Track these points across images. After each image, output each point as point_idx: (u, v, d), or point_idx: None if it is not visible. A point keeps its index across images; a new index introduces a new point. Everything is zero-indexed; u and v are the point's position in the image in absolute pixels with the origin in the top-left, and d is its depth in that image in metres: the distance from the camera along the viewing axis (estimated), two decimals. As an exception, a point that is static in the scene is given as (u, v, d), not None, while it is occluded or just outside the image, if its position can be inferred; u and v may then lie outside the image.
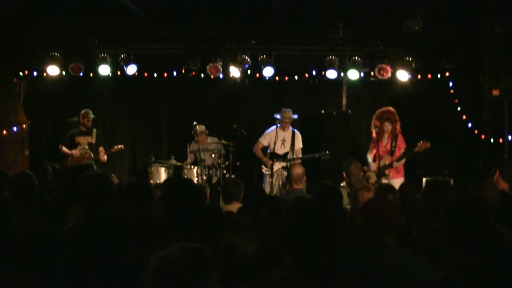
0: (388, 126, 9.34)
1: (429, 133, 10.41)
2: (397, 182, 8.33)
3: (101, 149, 10.28)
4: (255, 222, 4.02)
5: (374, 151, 9.22)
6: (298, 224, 2.36)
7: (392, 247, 3.40)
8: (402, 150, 9.25)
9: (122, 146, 10.54)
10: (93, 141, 10.27)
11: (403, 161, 9.26)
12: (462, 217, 2.85)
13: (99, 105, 11.43)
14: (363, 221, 3.57)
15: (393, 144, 9.29)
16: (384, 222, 3.45)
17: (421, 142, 8.99)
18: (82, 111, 10.26)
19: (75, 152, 10.09)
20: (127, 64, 10.56)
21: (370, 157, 9.33)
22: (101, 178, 4.25)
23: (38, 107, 11.55)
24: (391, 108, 9.52)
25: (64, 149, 10.10)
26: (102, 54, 10.56)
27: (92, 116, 10.25)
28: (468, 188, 4.71)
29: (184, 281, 2.14)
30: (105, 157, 10.26)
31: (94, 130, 10.33)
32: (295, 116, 10.16)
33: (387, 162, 9.09)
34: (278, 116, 9.95)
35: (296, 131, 10.18)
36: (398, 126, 9.40)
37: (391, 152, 9.24)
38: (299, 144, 10.15)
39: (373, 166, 9.13)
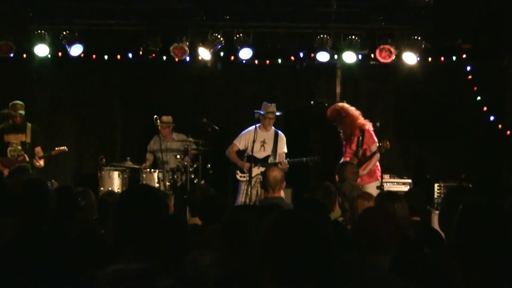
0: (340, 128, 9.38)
1: (442, 127, 10.47)
2: (371, 187, 8.53)
3: (38, 149, 9.99)
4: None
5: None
6: (282, 242, 2.45)
7: (384, 269, 3.41)
8: (372, 147, 9.19)
9: (65, 147, 10.21)
10: (28, 139, 9.96)
11: (370, 165, 9.15)
12: (484, 228, 2.78)
13: (35, 94, 11.25)
14: (357, 235, 3.69)
15: (359, 143, 9.16)
16: (379, 238, 3.53)
17: (381, 142, 9.11)
18: (10, 103, 9.94)
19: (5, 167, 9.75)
20: (70, 44, 10.39)
21: None
22: (34, 185, 4.17)
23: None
24: (331, 108, 9.55)
25: None
26: (39, 31, 10.39)
27: (19, 102, 9.86)
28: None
29: None
30: (42, 161, 9.92)
31: (29, 125, 9.96)
32: (278, 113, 10.05)
33: None
34: (260, 112, 9.84)
35: (280, 132, 10.10)
36: (352, 122, 9.24)
37: (356, 153, 9.15)
38: (282, 147, 10.04)
39: None
